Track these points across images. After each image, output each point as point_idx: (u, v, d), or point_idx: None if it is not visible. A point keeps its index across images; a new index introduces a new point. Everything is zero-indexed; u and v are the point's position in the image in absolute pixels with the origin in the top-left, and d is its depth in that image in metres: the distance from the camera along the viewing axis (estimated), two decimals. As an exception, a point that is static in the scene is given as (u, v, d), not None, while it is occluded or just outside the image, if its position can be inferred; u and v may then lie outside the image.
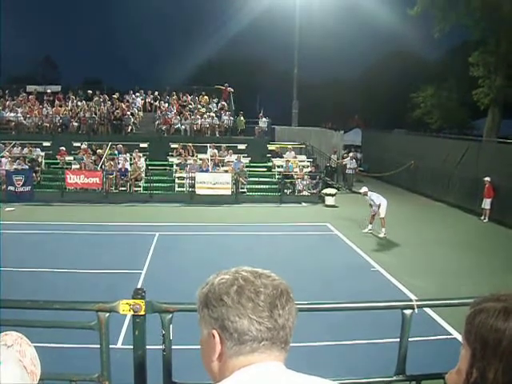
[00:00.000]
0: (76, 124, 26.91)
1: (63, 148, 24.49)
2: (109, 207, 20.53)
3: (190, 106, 29.13)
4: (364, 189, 17.11)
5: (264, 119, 28.96)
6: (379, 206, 16.27)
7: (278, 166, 25.21)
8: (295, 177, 23.86)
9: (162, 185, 23.17)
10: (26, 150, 24.20)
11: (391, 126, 37.72)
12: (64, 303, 2.29)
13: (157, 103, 29.33)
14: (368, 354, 7.74)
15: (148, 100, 29.87)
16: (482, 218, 19.32)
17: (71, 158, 24.30)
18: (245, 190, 23.37)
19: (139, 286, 2.65)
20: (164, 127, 27.15)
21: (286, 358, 1.27)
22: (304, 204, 22.64)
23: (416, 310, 2.25)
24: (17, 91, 29.74)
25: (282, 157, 26.00)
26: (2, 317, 2.04)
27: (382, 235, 16.17)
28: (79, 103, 28.29)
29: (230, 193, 22.39)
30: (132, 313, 2.09)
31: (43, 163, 24.41)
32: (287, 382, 1.20)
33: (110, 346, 2.16)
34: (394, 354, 2.32)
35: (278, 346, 1.23)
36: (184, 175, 23.07)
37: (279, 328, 1.22)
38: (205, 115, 27.99)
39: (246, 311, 1.21)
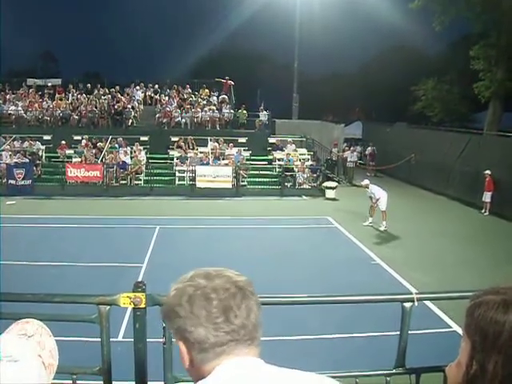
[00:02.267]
0: (76, 117, 26.86)
1: (64, 141, 24.48)
2: (109, 201, 20.51)
3: (191, 99, 29.06)
4: (366, 181, 17.16)
5: (264, 112, 28.89)
6: (378, 200, 16.30)
7: (279, 159, 25.18)
8: (296, 170, 23.83)
9: (163, 178, 23.15)
10: (26, 144, 24.18)
11: (392, 119, 37.52)
12: (65, 296, 2.29)
13: (157, 96, 29.28)
14: (367, 346, 7.75)
15: (148, 93, 29.79)
16: (483, 211, 19.33)
17: (71, 151, 24.31)
18: (245, 183, 23.35)
19: (140, 279, 2.65)
20: (164, 120, 27.11)
21: (261, 353, 1.26)
22: (304, 197, 22.64)
23: (416, 303, 2.25)
24: (17, 85, 29.74)
25: (282, 150, 25.98)
26: (2, 310, 2.04)
27: (382, 228, 16.19)
28: (79, 97, 28.27)
29: (230, 186, 22.38)
30: (132, 306, 2.10)
31: (44, 157, 24.43)
32: (261, 375, 1.20)
33: (111, 339, 2.17)
34: (393, 347, 2.32)
35: (243, 344, 1.22)
36: (184, 168, 23.06)
37: (239, 328, 1.21)
38: (205, 108, 27.95)
39: (199, 320, 1.20)
